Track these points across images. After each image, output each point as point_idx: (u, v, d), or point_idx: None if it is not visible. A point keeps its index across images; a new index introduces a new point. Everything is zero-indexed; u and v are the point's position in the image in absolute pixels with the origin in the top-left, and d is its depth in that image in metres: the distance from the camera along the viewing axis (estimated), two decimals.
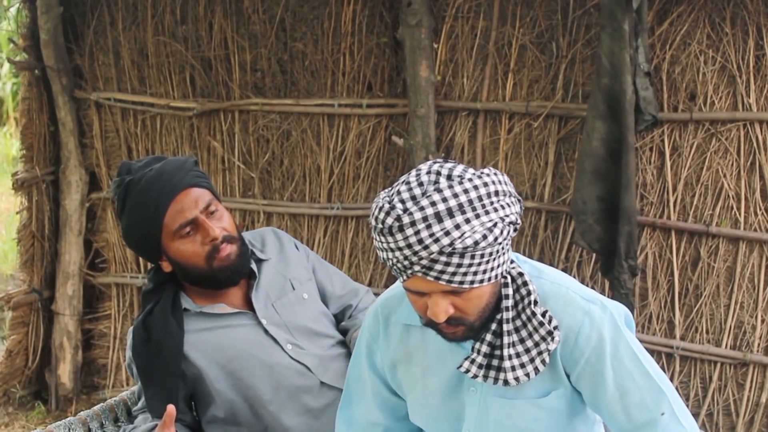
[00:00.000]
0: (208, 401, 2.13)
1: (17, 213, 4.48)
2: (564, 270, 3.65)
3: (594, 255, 3.61)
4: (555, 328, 1.54)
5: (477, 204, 1.43)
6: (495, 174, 1.49)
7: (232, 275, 2.10)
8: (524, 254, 3.70)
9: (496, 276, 1.50)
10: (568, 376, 1.61)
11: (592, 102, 3.28)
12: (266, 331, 2.14)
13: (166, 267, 2.12)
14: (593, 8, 3.50)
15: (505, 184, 1.49)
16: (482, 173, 1.47)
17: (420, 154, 3.66)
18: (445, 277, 1.45)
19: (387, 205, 1.44)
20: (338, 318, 2.34)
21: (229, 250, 2.08)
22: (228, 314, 2.15)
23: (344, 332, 2.30)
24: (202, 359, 2.10)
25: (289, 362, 2.13)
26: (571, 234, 3.67)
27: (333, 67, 3.91)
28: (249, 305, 2.17)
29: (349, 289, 2.37)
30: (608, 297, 1.83)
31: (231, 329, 2.13)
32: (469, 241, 1.42)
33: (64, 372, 4.35)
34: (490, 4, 3.65)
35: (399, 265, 1.46)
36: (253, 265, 2.19)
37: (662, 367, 3.62)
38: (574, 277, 3.61)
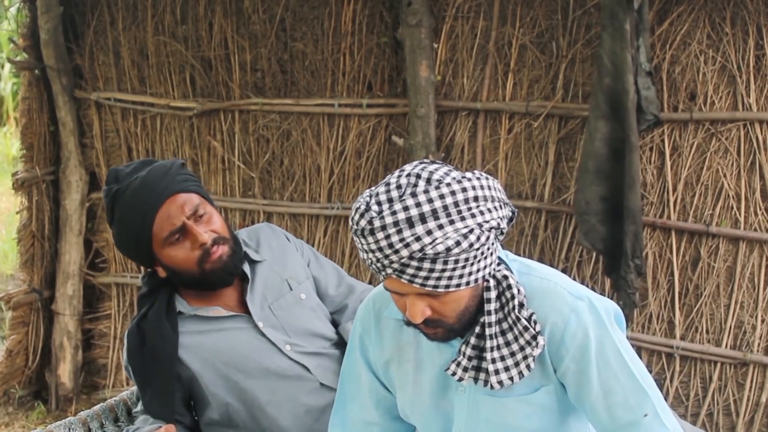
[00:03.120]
0: (204, 404, 2.12)
1: (17, 213, 4.48)
2: (564, 270, 3.65)
3: (594, 255, 3.61)
4: (539, 332, 1.54)
5: (452, 210, 1.42)
6: (478, 178, 1.47)
7: (224, 276, 2.09)
8: (524, 254, 3.70)
9: (476, 280, 1.49)
10: (555, 372, 1.60)
11: (593, 102, 3.28)
12: (263, 334, 2.13)
13: (161, 272, 2.11)
14: (593, 8, 3.50)
15: (489, 189, 1.47)
16: (464, 177, 1.46)
17: (420, 154, 3.66)
18: (418, 280, 1.45)
19: (363, 207, 1.44)
20: (334, 318, 2.33)
21: (220, 251, 2.06)
22: (223, 317, 2.14)
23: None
24: (197, 362, 2.09)
25: (287, 364, 2.12)
26: (571, 234, 3.67)
27: (333, 67, 3.91)
28: (245, 308, 2.16)
29: (343, 287, 2.34)
30: (611, 297, 1.82)
31: (226, 332, 2.12)
32: (440, 247, 1.41)
33: (64, 372, 4.35)
34: (490, 4, 3.65)
35: (374, 266, 1.47)
36: (246, 268, 2.17)
37: (662, 367, 3.62)
38: (574, 277, 3.61)
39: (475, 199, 1.44)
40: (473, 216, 1.44)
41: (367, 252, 1.45)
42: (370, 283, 3.93)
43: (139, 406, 2.18)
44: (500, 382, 1.56)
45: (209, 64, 4.07)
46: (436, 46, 3.71)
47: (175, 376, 2.08)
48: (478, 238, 1.44)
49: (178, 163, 2.11)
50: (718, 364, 3.56)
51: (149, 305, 2.14)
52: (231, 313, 2.14)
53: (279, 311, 2.16)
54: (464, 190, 1.43)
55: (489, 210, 1.46)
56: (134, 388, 2.28)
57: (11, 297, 4.32)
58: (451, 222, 1.42)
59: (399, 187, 1.44)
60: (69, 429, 2.14)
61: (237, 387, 2.09)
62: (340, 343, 2.23)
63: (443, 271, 1.44)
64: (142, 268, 4.31)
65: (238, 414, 2.11)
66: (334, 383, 2.12)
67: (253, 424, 2.12)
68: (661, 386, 3.57)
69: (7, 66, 9.25)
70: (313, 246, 4.02)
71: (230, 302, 2.17)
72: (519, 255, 1.97)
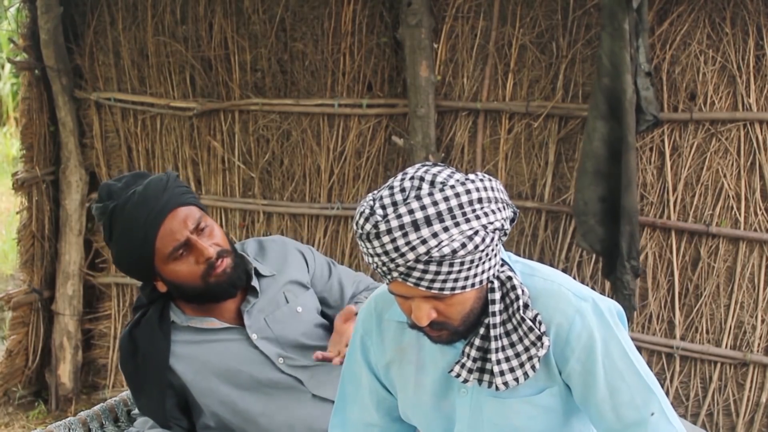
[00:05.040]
0: (198, 412, 2.12)
1: (17, 213, 4.49)
2: (564, 270, 3.65)
3: (594, 255, 3.61)
4: (544, 333, 1.54)
5: (457, 212, 1.42)
6: (482, 180, 1.47)
7: (228, 288, 2.07)
8: (524, 254, 3.70)
9: (481, 282, 1.49)
10: (560, 373, 1.61)
11: (593, 102, 3.28)
12: (256, 347, 2.11)
13: (161, 287, 2.09)
14: (593, 8, 3.50)
15: (492, 190, 1.47)
16: (467, 179, 1.45)
17: (420, 154, 3.66)
18: (424, 283, 1.45)
19: (368, 211, 1.44)
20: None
21: (224, 264, 2.04)
22: (217, 329, 2.12)
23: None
24: (189, 373, 2.08)
25: (280, 377, 2.11)
26: (571, 234, 3.66)
27: (333, 67, 3.91)
28: (241, 320, 2.14)
29: (352, 291, 2.34)
30: (610, 298, 1.82)
31: (219, 344, 2.11)
32: (446, 250, 1.41)
33: (64, 372, 4.35)
34: (490, 4, 3.65)
35: (380, 270, 1.47)
36: (256, 282, 2.15)
37: (662, 367, 3.62)
38: (574, 277, 3.61)
39: (479, 200, 1.44)
40: (478, 218, 1.44)
41: (372, 256, 1.45)
42: None
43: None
44: (505, 383, 1.56)
45: (209, 64, 4.07)
46: (436, 46, 3.71)
47: (167, 384, 2.07)
48: (483, 240, 1.44)
49: (173, 175, 2.08)
50: (718, 364, 3.56)
51: (143, 313, 2.13)
52: (225, 324, 2.12)
53: (274, 324, 2.14)
54: (468, 192, 1.43)
55: (493, 211, 1.46)
56: None
57: (11, 297, 4.32)
58: (456, 224, 1.42)
59: (403, 190, 1.44)
60: (69, 429, 2.14)
61: (228, 399, 2.08)
62: None
63: (449, 273, 1.44)
64: None
65: (231, 424, 2.10)
66: (328, 394, 2.11)
67: None
68: (661, 386, 3.57)
69: (7, 66, 9.24)
70: (312, 246, 4.02)
71: (227, 314, 2.14)
72: (519, 255, 1.97)
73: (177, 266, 2.02)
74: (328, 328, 2.26)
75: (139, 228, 1.98)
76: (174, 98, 4.15)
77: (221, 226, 4.16)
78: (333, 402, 1.98)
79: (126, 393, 2.34)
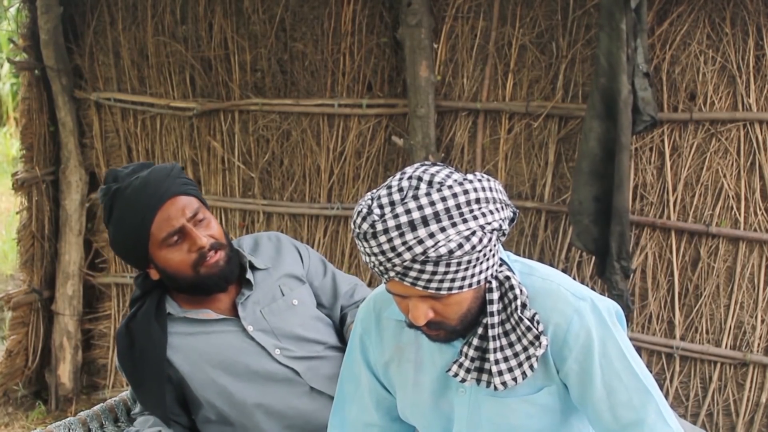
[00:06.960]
0: (197, 405, 2.13)
1: (17, 213, 4.49)
2: (564, 270, 3.65)
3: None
4: (542, 333, 1.54)
5: (454, 212, 1.42)
6: (480, 180, 1.47)
7: (219, 281, 2.09)
8: (524, 254, 3.70)
9: (478, 282, 1.49)
10: (557, 372, 1.61)
11: (590, 102, 3.28)
12: (252, 338, 2.12)
13: (154, 275, 2.11)
14: (593, 8, 3.50)
15: (491, 191, 1.47)
16: (465, 179, 1.46)
17: (420, 154, 3.66)
18: (421, 283, 1.45)
19: (365, 210, 1.44)
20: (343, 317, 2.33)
21: (217, 257, 2.07)
22: (213, 320, 2.13)
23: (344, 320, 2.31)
24: (186, 364, 2.09)
25: (277, 368, 2.11)
26: (571, 234, 3.66)
27: (333, 67, 3.91)
28: (235, 311, 2.16)
29: (350, 294, 2.36)
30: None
31: (215, 335, 2.12)
32: (443, 250, 1.41)
33: (64, 372, 4.35)
34: (490, 4, 3.65)
35: (377, 269, 1.47)
36: (250, 275, 2.17)
37: (662, 367, 3.62)
38: (574, 277, 3.61)
39: (477, 201, 1.44)
40: (475, 218, 1.44)
41: (369, 255, 1.45)
42: (370, 284, 3.94)
43: (138, 408, 2.19)
44: (504, 383, 1.56)
45: (209, 64, 4.07)
46: (436, 46, 3.71)
47: (165, 377, 2.07)
48: (481, 240, 1.44)
49: (177, 166, 2.11)
50: (718, 365, 3.56)
51: (139, 306, 2.14)
52: (221, 316, 2.14)
53: (270, 316, 2.16)
54: (466, 192, 1.43)
55: (491, 212, 1.46)
56: None
57: (11, 297, 4.32)
58: (454, 224, 1.42)
59: (401, 189, 1.44)
60: (69, 429, 2.14)
61: (225, 390, 2.09)
62: (338, 347, 2.23)
63: (446, 273, 1.44)
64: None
65: (230, 416, 2.11)
66: (325, 387, 2.12)
67: (244, 426, 2.11)
68: (661, 386, 3.57)
69: (7, 66, 9.25)
70: (312, 246, 4.02)
71: (222, 306, 2.16)
72: (519, 255, 1.97)
73: (170, 253, 2.04)
74: (326, 321, 2.26)
75: (137, 211, 2.01)
76: (174, 98, 4.15)
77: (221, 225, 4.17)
78: (330, 396, 1.99)
79: (126, 393, 2.34)
